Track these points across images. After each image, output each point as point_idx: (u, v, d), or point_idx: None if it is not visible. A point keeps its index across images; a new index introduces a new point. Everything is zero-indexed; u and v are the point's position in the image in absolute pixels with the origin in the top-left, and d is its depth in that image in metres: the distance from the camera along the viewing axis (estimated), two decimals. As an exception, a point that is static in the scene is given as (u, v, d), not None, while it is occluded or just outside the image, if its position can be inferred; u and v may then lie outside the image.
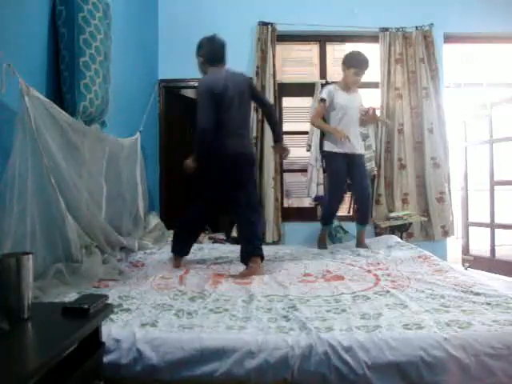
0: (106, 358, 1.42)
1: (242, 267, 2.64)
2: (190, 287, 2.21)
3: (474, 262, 4.60)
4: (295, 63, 5.17)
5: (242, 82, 2.82)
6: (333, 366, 1.43)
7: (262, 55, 4.31)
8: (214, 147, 2.63)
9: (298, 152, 4.84)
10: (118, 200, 3.10)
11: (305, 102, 4.73)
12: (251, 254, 2.60)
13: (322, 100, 3.39)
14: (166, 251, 3.14)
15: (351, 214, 4.59)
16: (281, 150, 2.99)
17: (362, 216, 3.53)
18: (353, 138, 3.35)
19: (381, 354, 1.43)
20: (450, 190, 4.39)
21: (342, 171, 3.40)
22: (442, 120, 4.35)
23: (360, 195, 3.52)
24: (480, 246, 4.73)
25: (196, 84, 4.65)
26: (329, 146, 3.40)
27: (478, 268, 4.48)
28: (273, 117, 2.99)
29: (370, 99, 4.58)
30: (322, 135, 3.83)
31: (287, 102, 4.73)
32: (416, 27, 4.35)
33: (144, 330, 1.57)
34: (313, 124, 3.61)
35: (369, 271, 2.54)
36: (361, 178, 3.47)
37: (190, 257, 3.04)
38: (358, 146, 3.42)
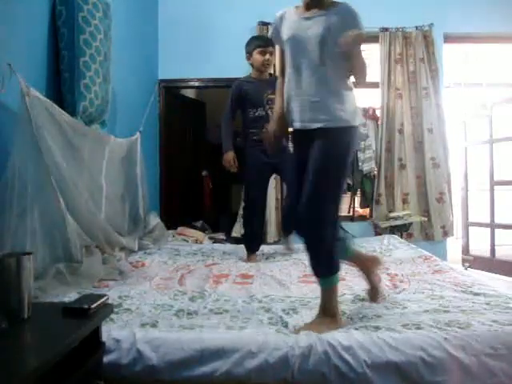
0: (106, 358, 1.42)
1: (242, 266, 2.66)
2: (190, 287, 2.21)
3: (474, 262, 4.59)
4: (295, 63, 5.18)
5: None
6: (333, 366, 1.43)
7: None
8: None
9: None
10: (117, 200, 3.10)
11: (305, 101, 4.72)
12: None
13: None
14: (165, 251, 3.15)
15: (351, 213, 4.60)
16: None
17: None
18: (305, 98, 1.77)
19: (381, 353, 1.43)
20: (450, 190, 4.39)
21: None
22: (441, 120, 4.35)
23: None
24: (480, 246, 4.73)
25: (197, 84, 4.69)
26: None
27: (478, 268, 4.48)
28: None
29: (371, 99, 4.60)
30: None
31: (287, 101, 4.72)
32: (416, 27, 4.34)
33: (144, 330, 1.57)
34: None
35: (369, 271, 2.54)
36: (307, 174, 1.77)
37: (190, 257, 3.05)
38: (312, 114, 1.75)
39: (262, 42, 3.05)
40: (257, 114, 2.98)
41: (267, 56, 2.97)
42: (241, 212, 4.28)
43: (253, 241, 3.11)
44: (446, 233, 4.33)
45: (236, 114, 3.15)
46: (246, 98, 3.02)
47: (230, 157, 3.02)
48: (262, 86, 3.00)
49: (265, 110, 2.96)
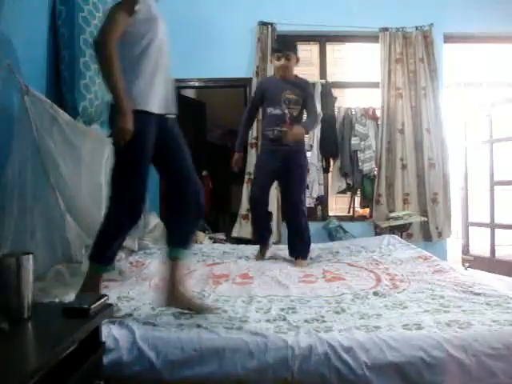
0: (106, 358, 1.42)
1: (242, 266, 2.66)
2: (190, 287, 2.21)
3: (474, 262, 4.59)
4: (295, 63, 5.18)
5: None
6: (333, 367, 1.43)
7: (261, 55, 4.30)
8: None
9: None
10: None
11: (305, 102, 4.72)
12: None
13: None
14: (165, 251, 3.14)
15: (351, 213, 4.60)
16: None
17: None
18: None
19: (381, 355, 1.43)
20: (448, 191, 4.38)
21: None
22: (439, 120, 4.35)
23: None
24: (480, 246, 4.73)
25: (197, 84, 4.68)
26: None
27: (478, 268, 4.48)
28: None
29: (371, 99, 4.60)
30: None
31: (287, 101, 4.72)
32: (416, 27, 4.34)
33: (144, 329, 1.57)
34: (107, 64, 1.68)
35: (369, 271, 2.54)
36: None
37: (190, 257, 3.04)
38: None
39: (277, 46, 3.06)
40: (274, 112, 2.96)
41: (282, 61, 2.94)
42: (241, 212, 4.30)
43: (260, 230, 3.14)
44: (440, 233, 4.32)
45: (257, 111, 3.14)
46: (266, 95, 3.02)
47: (236, 157, 3.10)
48: (282, 85, 2.98)
49: (281, 110, 2.94)
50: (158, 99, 1.79)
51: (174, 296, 1.80)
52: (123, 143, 1.68)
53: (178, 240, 1.89)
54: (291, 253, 3.04)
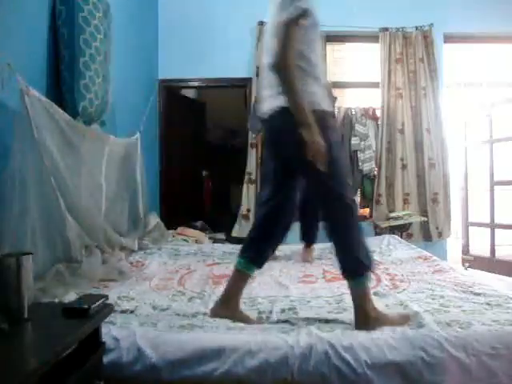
0: (106, 358, 1.42)
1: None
2: (190, 288, 2.21)
3: (474, 262, 4.60)
4: (295, 63, 5.18)
5: None
6: (333, 366, 1.43)
7: (262, 55, 4.31)
8: None
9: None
10: (117, 200, 3.09)
11: (305, 101, 4.73)
12: None
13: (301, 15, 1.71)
14: (165, 251, 3.14)
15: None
16: None
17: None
18: None
19: (381, 354, 1.43)
20: (448, 191, 4.39)
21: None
22: (439, 120, 4.35)
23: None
24: (480, 246, 4.73)
25: (197, 84, 4.68)
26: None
27: (478, 268, 4.48)
28: None
29: (371, 99, 4.60)
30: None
31: (287, 101, 4.73)
32: (416, 27, 4.35)
33: (144, 329, 1.57)
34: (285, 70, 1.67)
35: (369, 271, 2.54)
36: None
37: (190, 257, 3.04)
38: None
39: None
40: None
41: None
42: (241, 212, 4.30)
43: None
44: (440, 233, 4.32)
45: None
46: None
47: None
48: None
49: None
50: (326, 99, 1.80)
51: (227, 306, 1.77)
52: (319, 157, 1.63)
53: (255, 256, 1.82)
54: (304, 238, 3.06)
